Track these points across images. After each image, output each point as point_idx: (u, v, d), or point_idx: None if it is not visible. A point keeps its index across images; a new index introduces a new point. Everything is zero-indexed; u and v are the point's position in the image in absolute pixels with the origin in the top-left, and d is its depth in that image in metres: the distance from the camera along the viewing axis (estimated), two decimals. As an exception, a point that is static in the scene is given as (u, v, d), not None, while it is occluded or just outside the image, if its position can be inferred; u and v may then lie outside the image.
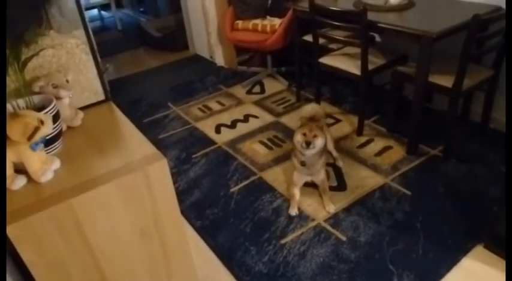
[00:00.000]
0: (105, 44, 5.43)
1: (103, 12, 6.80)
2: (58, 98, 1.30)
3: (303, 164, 2.19)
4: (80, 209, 1.08)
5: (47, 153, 1.19)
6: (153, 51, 4.97)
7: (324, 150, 2.26)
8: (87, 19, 1.52)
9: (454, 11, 2.54)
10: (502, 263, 1.81)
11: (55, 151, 1.24)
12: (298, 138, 2.12)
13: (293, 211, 2.21)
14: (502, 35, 2.39)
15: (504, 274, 1.76)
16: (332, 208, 2.21)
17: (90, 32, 1.50)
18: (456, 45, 2.37)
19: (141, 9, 6.53)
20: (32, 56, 1.26)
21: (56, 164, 1.17)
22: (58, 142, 1.25)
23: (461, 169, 2.43)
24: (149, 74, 4.34)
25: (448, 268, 1.82)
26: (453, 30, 2.28)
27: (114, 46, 5.31)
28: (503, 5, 2.42)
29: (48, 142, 1.20)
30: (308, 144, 2.07)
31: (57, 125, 1.22)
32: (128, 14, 6.84)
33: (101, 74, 1.56)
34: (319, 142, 2.10)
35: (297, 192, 2.28)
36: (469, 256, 1.86)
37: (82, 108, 1.47)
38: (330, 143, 2.52)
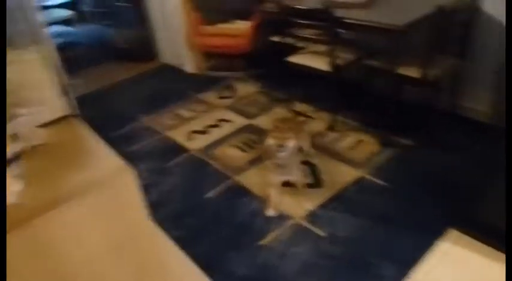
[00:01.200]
0: (72, 59, 5.30)
1: (67, 28, 6.67)
2: (16, 116, 1.25)
3: (277, 165, 2.17)
4: (46, 230, 1.03)
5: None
6: (122, 64, 4.89)
7: (299, 150, 2.25)
8: (49, 35, 1.47)
9: (418, 2, 2.56)
10: (475, 245, 1.83)
11: (16, 171, 1.19)
12: (270, 142, 2.10)
13: (269, 212, 2.19)
14: (464, 26, 2.43)
15: (478, 255, 1.78)
16: (307, 206, 2.19)
17: (53, 47, 1.45)
18: (422, 36, 2.40)
19: (107, 22, 6.43)
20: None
21: (16, 186, 1.12)
22: (18, 162, 1.20)
23: (433, 157, 2.46)
24: (119, 86, 4.27)
25: (426, 253, 1.83)
26: (419, 22, 2.30)
27: (81, 61, 5.20)
28: None
29: (8, 162, 1.15)
30: (280, 147, 2.06)
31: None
32: (93, 28, 6.73)
33: (65, 89, 1.51)
34: (291, 145, 2.08)
35: (273, 193, 2.26)
36: (444, 239, 1.88)
37: (45, 125, 1.42)
38: (305, 142, 2.51)
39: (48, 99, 1.45)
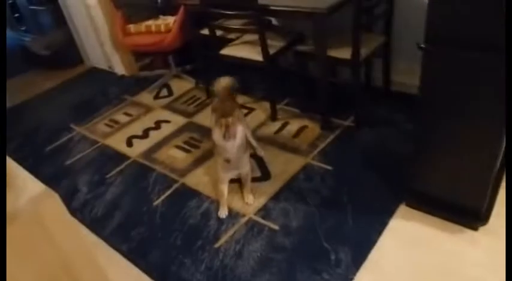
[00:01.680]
0: (-12, 72, 4.89)
1: (-21, 38, 6.12)
2: None
3: (227, 160, 2.08)
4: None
5: None
6: (45, 72, 4.57)
7: (247, 142, 2.19)
8: None
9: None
10: (425, 217, 1.89)
11: None
12: (217, 132, 2.00)
13: (223, 213, 2.13)
14: (385, 2, 2.48)
15: (428, 226, 1.85)
16: (251, 199, 2.17)
17: None
18: (347, 17, 2.42)
19: (22, 28, 5.96)
20: None
21: None
22: None
23: (373, 134, 2.52)
24: (44, 97, 3.99)
25: (379, 232, 1.87)
26: (342, 3, 2.32)
27: None
28: None
29: None
30: (228, 133, 1.95)
31: None
32: (8, 35, 6.22)
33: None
34: (239, 130, 1.99)
35: (225, 190, 2.20)
36: (394, 216, 1.93)
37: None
38: (248, 134, 2.47)
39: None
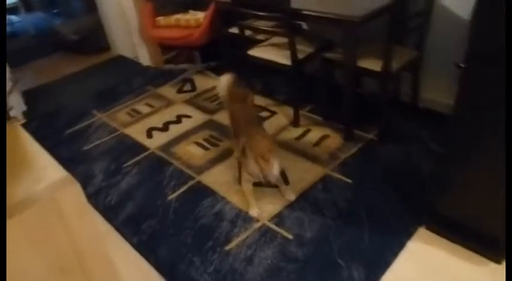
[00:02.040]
0: (16, 52, 4.94)
1: (11, 17, 6.22)
2: None
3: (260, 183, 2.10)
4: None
5: None
6: (72, 56, 4.61)
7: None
8: None
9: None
10: (444, 243, 1.83)
11: None
12: (253, 169, 2.00)
13: (254, 212, 2.09)
14: (422, 16, 2.43)
15: (447, 253, 1.78)
16: (292, 196, 2.16)
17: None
18: (379, 28, 2.37)
19: (54, 11, 6.04)
20: None
21: None
22: None
23: (397, 150, 2.45)
24: (69, 80, 4.02)
25: (395, 253, 1.81)
26: (376, 14, 2.27)
27: (27, 53, 4.86)
28: None
29: None
30: (267, 174, 1.96)
31: None
32: (40, 17, 6.31)
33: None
34: (275, 169, 1.96)
35: (251, 188, 2.16)
36: (413, 239, 1.87)
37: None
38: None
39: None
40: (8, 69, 3.29)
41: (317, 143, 2.59)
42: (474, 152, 1.61)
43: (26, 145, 1.22)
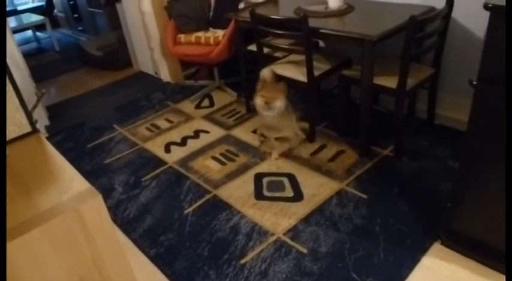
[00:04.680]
0: (42, 66, 5.16)
1: (38, 33, 6.48)
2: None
3: (267, 127, 2.44)
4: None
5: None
6: (95, 71, 4.77)
7: (288, 111, 2.46)
8: (17, 41, 1.38)
9: (391, 13, 2.58)
10: (460, 259, 1.82)
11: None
12: (258, 101, 2.30)
13: (274, 156, 2.46)
14: (438, 35, 2.45)
15: (463, 269, 1.77)
16: (305, 153, 2.44)
17: (20, 56, 1.36)
18: (395, 46, 2.41)
19: (80, 28, 6.27)
20: None
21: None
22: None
23: (412, 166, 2.46)
24: (92, 95, 4.15)
25: (410, 269, 1.81)
26: (392, 32, 2.31)
27: (53, 68, 5.06)
28: (437, 6, 2.49)
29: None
30: (267, 104, 2.26)
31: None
32: (66, 33, 6.56)
33: (24, 104, 1.42)
34: (278, 104, 2.26)
35: (272, 139, 2.58)
36: (428, 254, 1.86)
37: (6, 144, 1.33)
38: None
39: (8, 115, 1.35)
40: (32, 84, 3.44)
41: (332, 159, 2.61)
42: (489, 169, 1.61)
43: (52, 158, 1.29)
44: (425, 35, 2.38)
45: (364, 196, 2.26)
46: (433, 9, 2.50)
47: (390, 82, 2.41)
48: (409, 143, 2.67)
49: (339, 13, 2.66)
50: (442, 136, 2.69)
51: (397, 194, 2.25)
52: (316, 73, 2.62)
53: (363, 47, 2.31)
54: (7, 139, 1.35)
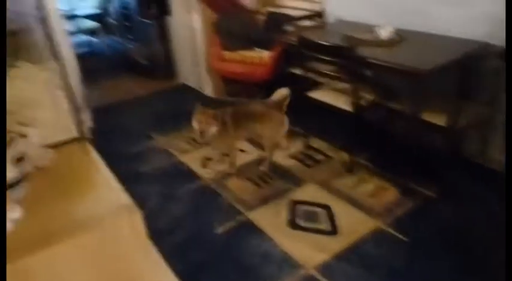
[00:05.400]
0: (92, 69, 5.32)
1: (92, 38, 6.74)
2: (24, 136, 1.16)
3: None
4: (36, 271, 0.92)
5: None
6: (139, 79, 4.87)
7: (226, 135, 2.59)
8: (73, 44, 1.40)
9: (443, 47, 2.48)
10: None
11: (17, 196, 1.09)
12: (195, 125, 2.47)
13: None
14: (494, 72, 2.33)
15: None
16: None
17: (73, 60, 1.38)
18: (445, 81, 2.30)
19: (130, 36, 6.46)
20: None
21: (15, 213, 1.02)
22: (21, 185, 1.10)
23: (458, 211, 2.31)
24: (134, 102, 4.22)
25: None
26: (445, 67, 2.21)
27: (101, 72, 5.21)
28: (491, 41, 2.36)
29: (10, 186, 1.05)
30: (201, 133, 2.45)
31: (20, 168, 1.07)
32: (116, 40, 6.77)
33: (76, 109, 1.43)
34: (211, 130, 2.44)
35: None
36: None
37: (53, 147, 1.33)
38: (278, 134, 2.78)
39: (60, 119, 1.36)
40: (80, 86, 3.53)
41: (372, 194, 2.50)
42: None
43: (97, 166, 1.28)
44: (481, 73, 2.27)
45: (404, 238, 2.14)
46: (486, 45, 2.37)
47: (440, 119, 2.31)
48: (456, 185, 2.52)
49: (389, 43, 2.59)
50: (493, 180, 2.50)
51: (440, 240, 2.11)
52: (362, 103, 2.55)
53: (412, 81, 2.23)
54: (54, 142, 1.35)
